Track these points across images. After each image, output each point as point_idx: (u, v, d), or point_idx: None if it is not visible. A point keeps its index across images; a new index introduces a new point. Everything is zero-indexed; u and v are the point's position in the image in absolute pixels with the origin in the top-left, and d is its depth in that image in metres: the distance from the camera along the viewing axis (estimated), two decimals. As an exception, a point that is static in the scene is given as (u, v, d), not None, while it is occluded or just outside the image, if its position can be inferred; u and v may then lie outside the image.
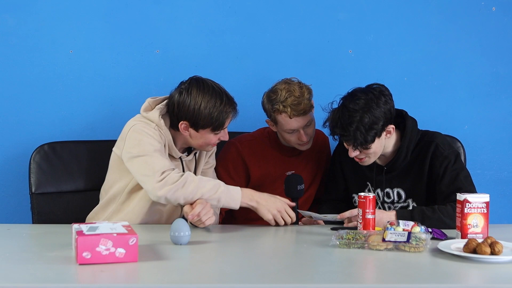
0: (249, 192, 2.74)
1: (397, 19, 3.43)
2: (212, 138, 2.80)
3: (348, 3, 3.42)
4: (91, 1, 3.34)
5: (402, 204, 2.90)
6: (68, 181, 3.09)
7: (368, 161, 2.85)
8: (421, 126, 2.98)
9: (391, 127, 2.82)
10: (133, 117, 2.85)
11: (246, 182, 3.10)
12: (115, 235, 2.13)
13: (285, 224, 2.73)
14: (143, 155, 2.70)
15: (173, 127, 2.83)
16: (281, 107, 2.91)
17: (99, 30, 3.36)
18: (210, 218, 2.64)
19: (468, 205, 2.43)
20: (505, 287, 2.03)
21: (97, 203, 2.95)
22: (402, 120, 2.90)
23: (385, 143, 2.84)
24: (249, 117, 3.17)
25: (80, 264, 2.10)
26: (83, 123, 3.36)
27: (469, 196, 2.44)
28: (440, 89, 3.46)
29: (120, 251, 2.13)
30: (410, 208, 2.87)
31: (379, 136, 2.78)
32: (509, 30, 3.44)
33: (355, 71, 3.43)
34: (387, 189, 2.92)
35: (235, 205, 2.71)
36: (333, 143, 3.07)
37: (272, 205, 2.72)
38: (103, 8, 3.35)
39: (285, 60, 3.42)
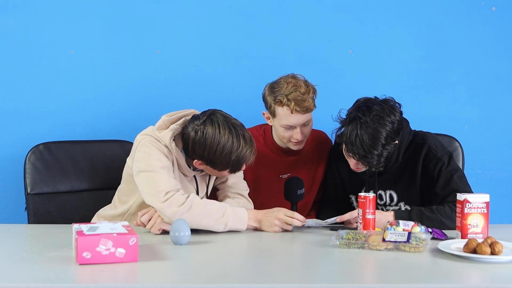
0: (253, 212, 2.66)
1: (397, 19, 3.43)
2: (226, 173, 2.74)
3: (348, 3, 3.42)
4: (91, 1, 3.34)
5: (393, 208, 2.89)
6: (63, 181, 3.08)
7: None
8: (421, 126, 2.97)
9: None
10: (144, 129, 2.76)
11: None
12: (115, 235, 2.13)
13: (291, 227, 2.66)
14: (149, 171, 2.62)
15: (187, 153, 2.72)
16: (284, 99, 2.83)
17: (99, 30, 3.36)
18: (153, 226, 2.58)
19: (468, 205, 2.43)
20: (505, 287, 2.03)
21: (93, 203, 2.97)
22: None
23: None
24: (248, 117, 3.15)
25: (80, 264, 2.10)
26: (82, 123, 3.36)
27: (469, 196, 2.44)
28: (440, 89, 3.46)
29: (120, 251, 2.13)
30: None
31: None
32: (509, 30, 3.44)
33: (355, 71, 3.43)
34: (380, 191, 2.90)
35: (242, 227, 2.62)
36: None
37: (271, 218, 2.63)
38: (103, 8, 3.35)
39: (285, 60, 3.42)
